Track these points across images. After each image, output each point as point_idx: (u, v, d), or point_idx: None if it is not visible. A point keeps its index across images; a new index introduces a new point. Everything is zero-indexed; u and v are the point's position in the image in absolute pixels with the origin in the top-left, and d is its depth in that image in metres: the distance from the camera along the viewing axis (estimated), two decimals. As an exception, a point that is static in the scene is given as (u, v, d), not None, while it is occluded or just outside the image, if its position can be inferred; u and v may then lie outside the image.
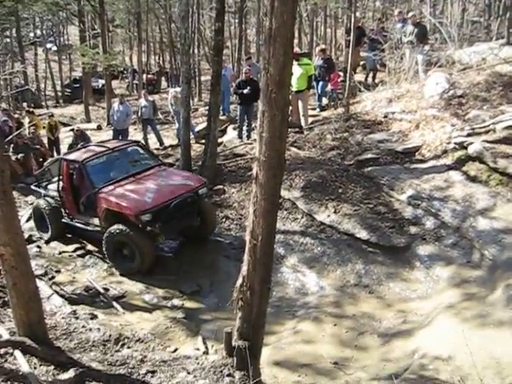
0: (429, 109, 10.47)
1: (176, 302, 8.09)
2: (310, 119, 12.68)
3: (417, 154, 9.55)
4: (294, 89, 12.28)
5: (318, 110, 13.79)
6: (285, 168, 5.58)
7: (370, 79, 15.16)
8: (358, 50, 14.38)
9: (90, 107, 23.05)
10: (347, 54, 15.58)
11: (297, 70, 12.15)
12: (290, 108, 12.83)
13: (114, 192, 9.00)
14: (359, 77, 15.20)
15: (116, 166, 9.76)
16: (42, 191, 10.48)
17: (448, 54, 13.78)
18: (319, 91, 13.68)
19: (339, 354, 6.51)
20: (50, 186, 10.44)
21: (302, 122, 12.36)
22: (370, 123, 10.97)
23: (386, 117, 10.95)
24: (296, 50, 13.74)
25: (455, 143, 9.19)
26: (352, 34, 11.71)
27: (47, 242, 10.03)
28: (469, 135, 9.29)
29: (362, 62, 15.68)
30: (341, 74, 14.24)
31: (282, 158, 4.76)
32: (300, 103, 12.46)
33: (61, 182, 9.69)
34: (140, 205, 8.68)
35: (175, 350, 6.59)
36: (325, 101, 14.04)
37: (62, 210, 9.90)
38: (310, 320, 7.21)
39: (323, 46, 15.27)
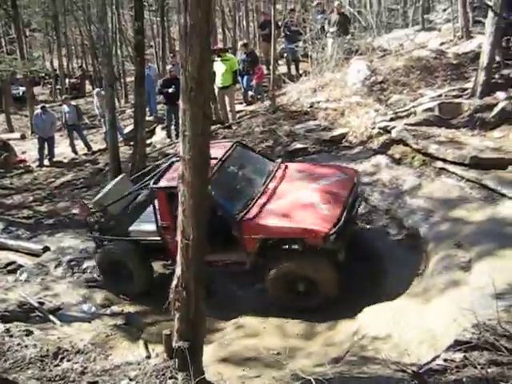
0: (352, 96, 10.73)
1: (115, 308, 7.93)
2: (238, 114, 12.71)
3: (343, 140, 9.78)
4: (219, 85, 12.28)
5: (244, 104, 13.83)
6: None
7: (293, 70, 15.32)
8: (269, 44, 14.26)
9: (12, 116, 22.17)
10: (263, 48, 15.79)
11: (220, 66, 12.18)
12: (218, 105, 12.90)
13: (267, 215, 7.13)
14: (283, 69, 15.36)
15: (238, 180, 7.95)
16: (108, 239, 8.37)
17: (368, 41, 14.16)
18: (245, 85, 13.71)
19: (283, 344, 6.56)
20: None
21: (230, 118, 12.38)
22: (297, 114, 11.12)
23: (311, 106, 11.13)
24: (218, 46, 13.75)
25: (379, 128, 9.45)
26: (272, 26, 11.76)
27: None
28: (391, 119, 9.57)
29: (285, 54, 15.80)
30: (264, 67, 14.33)
31: (206, 155, 4.76)
32: (227, 99, 12.48)
33: (159, 220, 7.52)
34: (324, 223, 6.81)
35: (116, 357, 6.49)
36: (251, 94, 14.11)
37: (161, 255, 7.98)
38: (252, 313, 7.25)
39: (245, 41, 15.31)
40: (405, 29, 16.15)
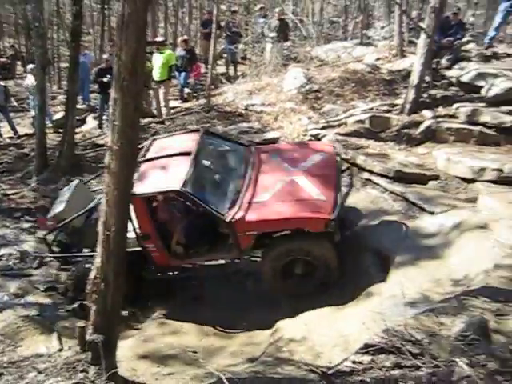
0: (287, 102, 10.87)
1: (30, 299, 7.61)
2: (173, 110, 12.60)
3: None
4: (156, 78, 12.15)
5: (180, 100, 13.73)
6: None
7: (231, 71, 15.36)
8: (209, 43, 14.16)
9: None
10: (203, 46, 15.75)
11: (158, 59, 12.04)
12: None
13: (260, 209, 6.74)
14: (221, 69, 15.37)
15: (217, 174, 7.48)
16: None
17: (306, 50, 14.41)
18: (181, 82, 13.61)
19: (202, 343, 6.58)
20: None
21: (164, 113, 12.26)
22: (231, 115, 11.15)
23: (246, 109, 11.19)
24: (158, 38, 13.60)
25: (311, 135, 9.63)
26: (214, 25, 11.74)
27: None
28: (323, 128, 9.78)
29: (224, 55, 15.83)
30: (202, 65, 14.30)
31: (134, 146, 4.71)
32: (161, 93, 12.35)
33: (137, 229, 6.89)
34: (323, 210, 6.54)
35: (27, 349, 6.27)
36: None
37: (144, 265, 7.31)
38: (174, 311, 7.21)
39: (185, 37, 15.21)
40: (344, 41, 16.54)
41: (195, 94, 13.72)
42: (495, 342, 3.94)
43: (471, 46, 12.12)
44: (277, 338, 6.27)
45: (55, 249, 7.78)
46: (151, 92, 12.82)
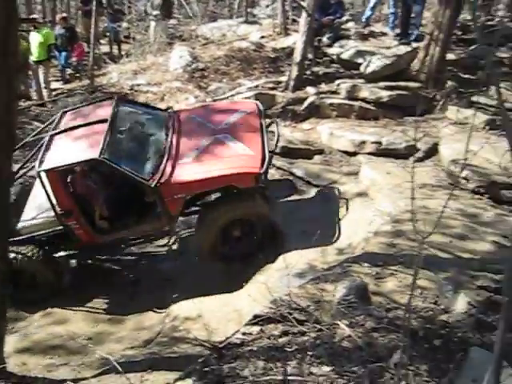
0: (173, 81, 10.75)
1: None
2: (54, 92, 12.05)
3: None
4: (34, 58, 11.54)
5: (61, 82, 13.15)
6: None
7: (115, 51, 14.92)
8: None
9: None
10: (84, 24, 15.16)
11: (35, 38, 11.43)
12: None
13: (186, 170, 6.41)
14: (105, 48, 14.89)
15: (137, 140, 6.93)
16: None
17: (192, 28, 14.30)
18: (62, 62, 13.01)
19: (93, 329, 6.44)
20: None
21: (45, 94, 11.69)
22: (117, 95, 10.80)
23: (132, 89, 10.93)
24: (34, 16, 12.90)
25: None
26: (94, 2, 11.31)
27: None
28: (210, 106, 9.78)
29: (107, 33, 15.32)
30: (85, 44, 13.75)
31: (11, 131, 4.46)
32: (41, 74, 11.75)
33: (56, 206, 6.41)
34: (251, 164, 6.30)
35: None
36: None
37: (67, 245, 6.90)
38: (62, 300, 6.96)
39: (64, 15, 14.51)
40: (229, 20, 16.56)
41: (78, 75, 13.17)
42: (374, 303, 4.21)
43: (350, 24, 12.59)
44: (172, 317, 6.28)
45: None
46: (30, 73, 12.16)
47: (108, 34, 15.28)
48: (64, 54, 12.86)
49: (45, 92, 11.72)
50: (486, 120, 8.15)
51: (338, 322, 3.66)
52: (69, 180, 6.68)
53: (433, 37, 9.12)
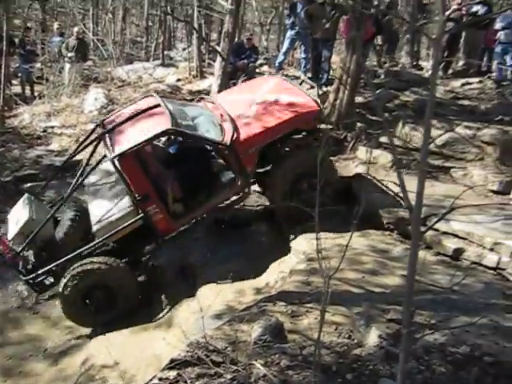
0: (88, 123, 10.64)
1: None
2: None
3: (77, 168, 9.58)
4: None
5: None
6: None
7: (27, 92, 14.55)
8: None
9: None
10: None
11: None
12: None
13: (252, 124, 6.78)
14: (17, 89, 14.49)
15: (189, 116, 6.93)
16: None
17: (107, 70, 14.26)
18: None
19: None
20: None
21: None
22: (29, 138, 10.58)
23: (45, 131, 10.71)
24: None
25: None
26: (4, 42, 11.05)
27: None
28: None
29: (19, 74, 14.93)
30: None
31: None
32: None
33: (134, 193, 6.35)
34: (309, 105, 6.89)
35: None
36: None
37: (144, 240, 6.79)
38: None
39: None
40: (146, 62, 16.67)
41: (-13, 116, 12.74)
42: (290, 341, 4.28)
43: (265, 68, 13.06)
44: (88, 366, 6.09)
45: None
46: None
47: (20, 74, 14.90)
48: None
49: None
50: (393, 159, 8.60)
51: (254, 362, 3.69)
52: (142, 162, 6.59)
53: (342, 81, 9.59)
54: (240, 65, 11.27)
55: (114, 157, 6.25)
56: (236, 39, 11.97)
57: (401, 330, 4.33)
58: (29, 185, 9.07)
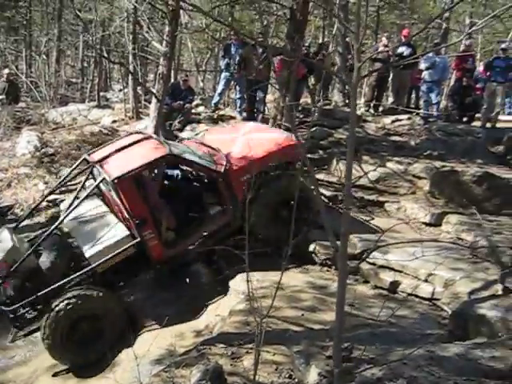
0: (21, 167, 10.33)
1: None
2: None
3: (9, 213, 9.26)
4: None
5: None
6: None
7: None
8: None
9: None
10: None
11: None
12: None
13: (241, 157, 7.17)
14: None
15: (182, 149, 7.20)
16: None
17: (41, 112, 14.02)
18: None
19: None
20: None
21: None
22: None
23: (-26, 175, 10.33)
24: None
25: (48, 201, 9.24)
26: None
27: None
28: (62, 192, 9.48)
29: None
30: None
31: None
32: None
33: (132, 218, 6.36)
34: (293, 139, 7.19)
35: None
36: None
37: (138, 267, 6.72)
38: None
39: None
40: (81, 104, 16.53)
41: None
42: (230, 383, 4.22)
43: (201, 109, 13.15)
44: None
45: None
46: None
47: None
48: None
49: None
50: (329, 195, 8.77)
51: (192, 409, 3.61)
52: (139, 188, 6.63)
53: (276, 120, 9.78)
54: (176, 106, 11.31)
55: (116, 178, 6.31)
56: (172, 80, 12.07)
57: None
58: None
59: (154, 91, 10.03)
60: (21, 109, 15.10)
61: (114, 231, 6.63)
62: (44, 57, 21.28)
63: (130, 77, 13.66)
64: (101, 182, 6.65)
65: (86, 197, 6.65)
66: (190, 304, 6.89)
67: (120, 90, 19.79)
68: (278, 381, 4.35)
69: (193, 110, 12.19)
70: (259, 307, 2.91)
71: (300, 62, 10.22)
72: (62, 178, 7.88)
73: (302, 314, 5.71)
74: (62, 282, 6.34)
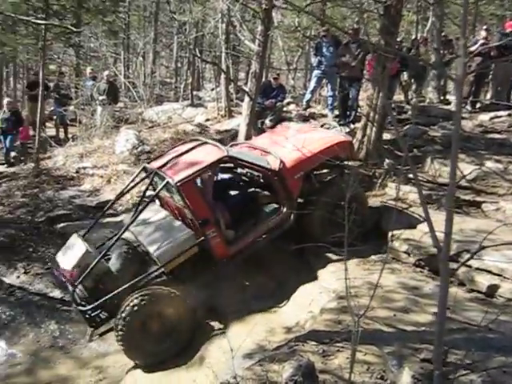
0: (120, 164, 10.84)
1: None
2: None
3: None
4: (-22, 142, 11.47)
5: (6, 165, 13.04)
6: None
7: (62, 134, 14.99)
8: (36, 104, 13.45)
9: None
10: (30, 108, 15.27)
11: (-19, 122, 11.41)
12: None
13: (295, 153, 7.37)
14: (51, 132, 14.93)
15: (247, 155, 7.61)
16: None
17: (138, 112, 14.60)
18: (7, 145, 12.96)
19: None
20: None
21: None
22: (62, 179, 10.79)
23: (77, 172, 10.93)
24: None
25: (146, 196, 9.62)
26: (40, 87, 11.41)
27: None
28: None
29: (54, 117, 15.41)
30: (30, 128, 13.75)
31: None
32: (-15, 158, 11.66)
33: (195, 219, 6.70)
34: (343, 137, 7.92)
35: None
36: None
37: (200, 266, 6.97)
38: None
39: (10, 99, 14.60)
40: (175, 102, 17.04)
41: (22, 158, 13.10)
42: (321, 381, 4.23)
43: (292, 106, 13.19)
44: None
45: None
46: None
47: (54, 117, 15.39)
48: (9, 137, 12.86)
49: (-13, 176, 11.52)
50: (419, 196, 8.51)
51: (285, 403, 3.66)
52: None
53: (369, 118, 9.63)
54: (268, 104, 11.43)
55: (179, 181, 6.57)
56: (263, 79, 12.20)
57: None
58: (61, 225, 9.25)
59: (247, 90, 10.20)
60: (119, 108, 15.77)
61: (178, 232, 6.89)
62: (141, 58, 22.17)
63: (223, 76, 13.92)
64: (164, 186, 6.82)
65: (149, 202, 6.90)
66: (281, 301, 6.96)
67: (212, 89, 20.20)
68: (370, 381, 4.31)
69: (284, 109, 12.26)
70: (356, 305, 2.90)
71: (393, 58, 10.00)
72: (124, 186, 8.07)
73: (394, 315, 5.59)
74: (131, 283, 6.57)
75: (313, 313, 6.12)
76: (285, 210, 7.23)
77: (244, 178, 8.16)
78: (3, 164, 13.04)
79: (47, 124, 15.26)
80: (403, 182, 8.96)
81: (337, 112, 11.76)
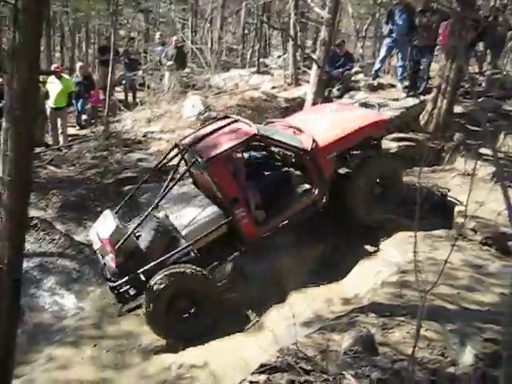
0: (186, 129, 10.94)
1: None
2: (70, 137, 12.31)
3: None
4: (52, 105, 11.84)
5: (77, 127, 13.48)
6: (31, 188, 5.37)
7: (130, 98, 15.32)
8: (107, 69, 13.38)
9: None
10: (101, 73, 15.64)
11: (56, 86, 11.75)
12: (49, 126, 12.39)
13: (328, 132, 7.24)
14: (120, 96, 15.27)
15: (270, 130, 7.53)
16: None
17: (205, 78, 14.68)
18: (79, 108, 13.38)
19: (99, 375, 6.42)
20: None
21: (61, 140, 11.95)
22: (130, 142, 11.08)
23: (145, 136, 11.18)
24: (55, 65, 13.28)
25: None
26: (111, 52, 11.65)
27: None
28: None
29: (123, 82, 15.74)
30: (101, 92, 14.11)
31: (28, 177, 4.59)
32: (59, 121, 12.02)
33: (223, 198, 6.65)
34: (378, 116, 7.78)
35: None
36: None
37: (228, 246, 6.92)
38: (67, 344, 6.97)
39: (82, 63, 15.00)
40: (242, 69, 16.98)
41: (93, 121, 13.51)
42: (381, 353, 4.23)
43: (360, 76, 12.91)
44: (178, 365, 6.28)
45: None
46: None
47: (124, 82, 15.71)
48: (81, 100, 13.24)
49: (61, 138, 11.95)
50: (494, 171, 8.23)
51: (344, 373, 3.69)
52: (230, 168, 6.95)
53: (440, 90, 9.32)
54: (336, 73, 11.25)
55: (208, 159, 6.51)
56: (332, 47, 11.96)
57: (499, 351, 4.19)
58: (128, 187, 9.51)
59: (315, 57, 10.05)
60: (187, 74, 15.88)
61: (207, 210, 6.84)
62: (208, 24, 22.17)
63: (291, 43, 13.74)
64: (194, 163, 6.75)
65: (179, 179, 6.88)
66: (339, 272, 6.96)
67: (279, 57, 20.01)
68: (430, 357, 4.26)
69: (352, 78, 12.03)
70: (420, 280, 2.86)
71: (471, 26, 9.58)
72: (157, 162, 8.16)
73: (458, 293, 5.49)
74: (159, 260, 6.54)
75: (374, 285, 6.09)
76: (317, 190, 7.07)
77: (277, 157, 7.97)
78: (74, 126, 13.49)
79: (116, 88, 15.61)
80: (474, 157, 8.67)
81: (406, 83, 11.43)
